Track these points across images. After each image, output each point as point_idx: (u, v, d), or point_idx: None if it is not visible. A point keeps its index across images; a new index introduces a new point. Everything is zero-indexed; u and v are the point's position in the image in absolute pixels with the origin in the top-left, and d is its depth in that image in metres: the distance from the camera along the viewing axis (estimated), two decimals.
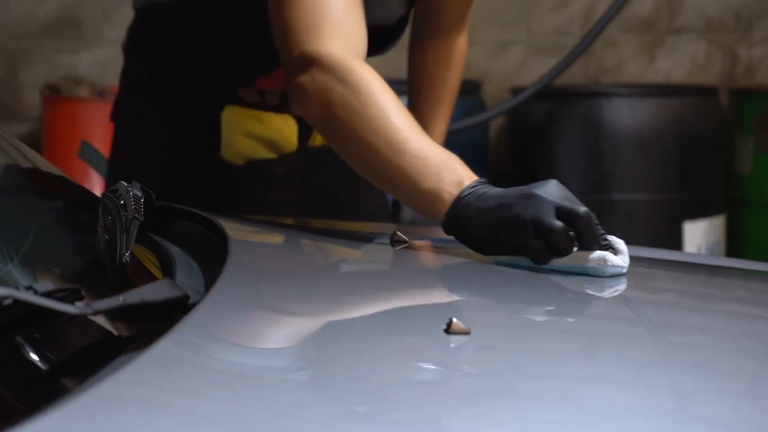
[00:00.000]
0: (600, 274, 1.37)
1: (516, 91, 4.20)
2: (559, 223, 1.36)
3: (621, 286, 1.43)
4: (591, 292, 1.41)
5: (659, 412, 0.94)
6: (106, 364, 0.92)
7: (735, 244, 4.40)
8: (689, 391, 1.00)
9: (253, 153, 1.90)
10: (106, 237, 1.27)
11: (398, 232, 1.53)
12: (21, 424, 0.78)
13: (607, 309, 1.34)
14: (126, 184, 1.33)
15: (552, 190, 1.39)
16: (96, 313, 0.95)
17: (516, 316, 1.26)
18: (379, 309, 1.26)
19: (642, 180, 4.14)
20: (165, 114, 1.96)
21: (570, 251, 1.38)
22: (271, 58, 1.72)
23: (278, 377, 0.98)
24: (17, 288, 0.95)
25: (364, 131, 1.52)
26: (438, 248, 1.61)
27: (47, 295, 0.94)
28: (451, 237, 1.52)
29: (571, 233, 1.38)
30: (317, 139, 1.96)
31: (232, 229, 1.43)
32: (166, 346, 0.95)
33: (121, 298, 0.98)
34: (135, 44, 1.99)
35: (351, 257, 1.56)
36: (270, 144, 1.92)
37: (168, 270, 1.29)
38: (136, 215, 1.27)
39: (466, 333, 1.06)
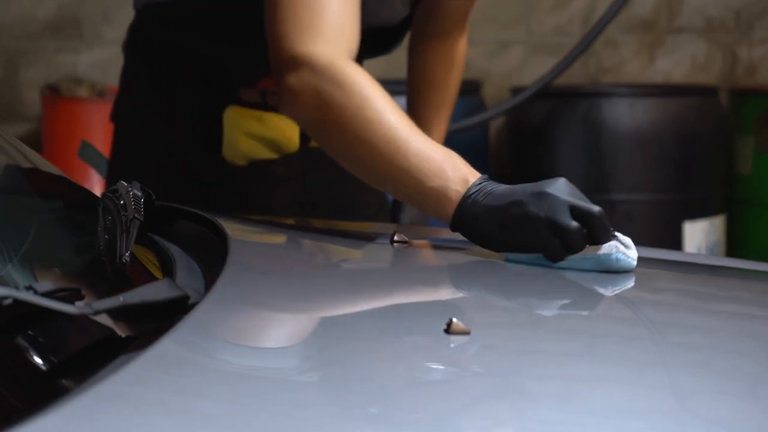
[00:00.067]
0: (610, 266, 1.40)
1: (516, 91, 4.21)
2: (575, 224, 1.38)
3: (621, 286, 1.43)
4: (591, 292, 1.41)
5: (659, 412, 0.94)
6: (106, 364, 0.92)
7: (735, 244, 4.40)
8: (689, 391, 1.00)
9: (254, 153, 1.90)
10: (106, 237, 1.27)
11: (398, 232, 1.53)
12: (21, 424, 0.78)
13: (607, 309, 1.34)
14: (126, 184, 1.33)
15: (564, 189, 1.41)
16: (96, 313, 0.95)
17: (516, 316, 1.26)
18: (379, 309, 1.26)
19: (642, 180, 4.14)
20: (165, 114, 1.96)
21: (583, 248, 1.40)
22: None
23: (278, 377, 0.98)
24: (17, 288, 0.95)
25: (362, 132, 1.52)
26: (438, 248, 1.61)
27: (47, 295, 0.94)
28: (451, 237, 1.52)
29: (584, 231, 1.40)
30: None
31: (232, 229, 1.43)
32: (166, 346, 0.95)
33: (121, 298, 0.98)
34: (135, 44, 1.99)
35: (351, 257, 1.56)
36: (271, 144, 1.92)
37: (168, 270, 1.29)
38: (136, 215, 1.27)
39: (466, 333, 1.06)
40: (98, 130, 4.00)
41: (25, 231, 1.28)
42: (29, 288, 0.94)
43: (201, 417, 0.85)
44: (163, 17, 1.94)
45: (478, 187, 1.46)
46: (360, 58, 2.05)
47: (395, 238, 1.52)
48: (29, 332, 1.02)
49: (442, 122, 2.20)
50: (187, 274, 1.27)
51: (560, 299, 1.36)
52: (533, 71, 4.49)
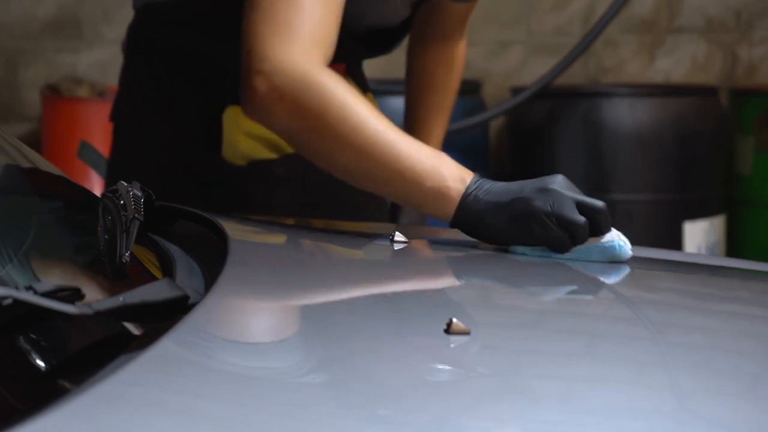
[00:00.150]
0: (613, 254, 1.47)
1: (516, 91, 4.21)
2: (582, 218, 1.46)
3: (621, 286, 1.44)
4: (591, 292, 1.41)
5: (659, 412, 0.94)
6: (106, 364, 0.92)
7: (735, 244, 4.40)
8: (689, 391, 1.00)
9: (254, 153, 1.90)
10: (106, 237, 1.27)
11: (398, 232, 1.53)
12: (21, 424, 0.78)
13: (607, 309, 1.34)
14: (126, 184, 1.33)
15: (565, 185, 1.49)
16: (96, 313, 0.95)
17: (516, 316, 1.26)
18: (379, 309, 1.26)
19: (642, 180, 4.14)
20: (165, 114, 1.96)
21: (586, 240, 1.48)
22: None
23: (278, 377, 0.98)
24: (17, 288, 0.95)
25: (350, 139, 1.53)
26: (438, 248, 1.61)
27: (47, 295, 0.94)
28: (451, 237, 1.52)
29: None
30: None
31: (232, 229, 1.43)
32: (166, 346, 0.95)
33: (121, 298, 0.98)
34: (135, 44, 1.99)
35: (351, 257, 1.56)
36: (271, 144, 1.92)
37: (168, 270, 1.29)
38: (136, 215, 1.27)
39: (466, 333, 1.06)
40: (98, 130, 4.00)
41: (25, 231, 1.28)
42: (29, 288, 0.94)
43: (201, 417, 0.85)
44: (162, 17, 1.93)
45: (476, 185, 1.50)
46: (360, 57, 2.05)
47: (395, 238, 1.52)
48: (29, 332, 1.02)
49: (440, 125, 2.20)
50: (187, 274, 1.27)
51: (560, 299, 1.36)
52: (533, 71, 4.49)
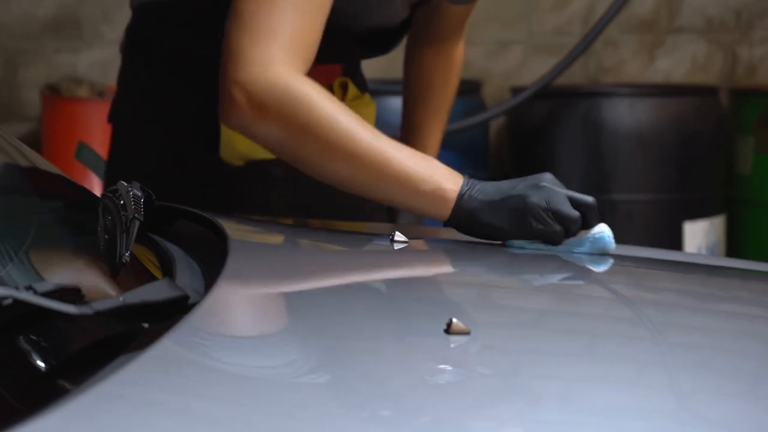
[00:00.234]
0: (603, 245, 1.53)
1: (516, 91, 4.21)
2: (576, 213, 1.52)
3: (621, 286, 1.44)
4: (591, 292, 1.41)
5: (659, 412, 0.94)
6: (106, 364, 0.92)
7: (735, 244, 4.40)
8: (689, 391, 1.00)
9: (251, 153, 1.90)
10: (106, 237, 1.26)
11: (398, 232, 1.53)
12: (21, 424, 0.78)
13: (607, 309, 1.34)
14: (126, 184, 1.33)
15: (555, 182, 1.55)
16: (96, 313, 0.95)
17: (516, 316, 1.26)
18: (380, 309, 1.26)
19: (642, 180, 4.14)
20: (163, 114, 1.96)
21: (578, 233, 1.55)
22: None
23: (278, 377, 0.98)
24: (17, 288, 0.95)
25: (342, 147, 1.56)
26: (438, 248, 1.61)
27: (47, 295, 0.94)
28: (450, 237, 1.53)
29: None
30: None
31: (232, 229, 1.43)
32: (166, 346, 0.95)
33: (121, 298, 0.98)
34: (133, 45, 1.99)
35: (351, 257, 1.56)
36: None
37: (168, 270, 1.29)
38: (136, 215, 1.26)
39: (466, 333, 1.06)
40: (98, 130, 3.99)
41: (25, 231, 1.28)
42: (29, 288, 0.94)
43: (200, 417, 0.85)
44: (160, 17, 1.93)
45: (468, 185, 1.56)
46: (359, 57, 2.05)
47: (395, 238, 1.52)
48: (29, 332, 1.02)
49: (438, 127, 2.20)
50: (187, 274, 1.27)
51: (560, 299, 1.36)
52: (533, 71, 4.49)
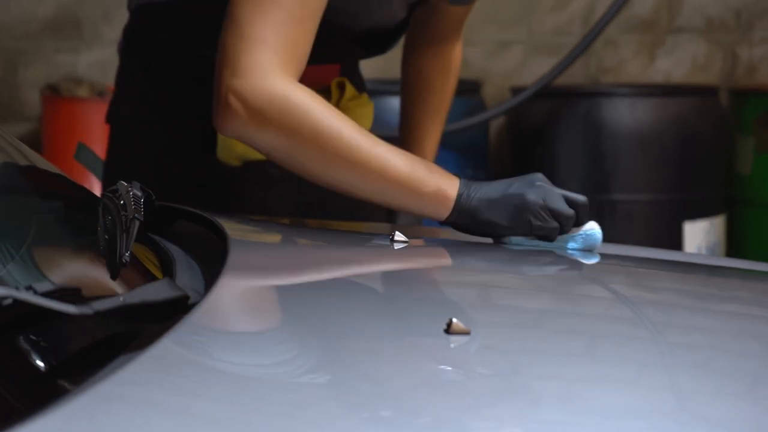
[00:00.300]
0: (594, 240, 1.59)
1: (516, 91, 4.20)
2: (571, 210, 1.58)
3: (621, 286, 1.44)
4: (591, 292, 1.41)
5: (659, 412, 0.94)
6: (106, 364, 0.92)
7: (735, 244, 4.40)
8: (689, 391, 1.00)
9: (248, 154, 1.90)
10: (106, 237, 1.27)
11: (398, 232, 1.53)
12: (21, 424, 0.78)
13: (607, 309, 1.34)
14: (126, 184, 1.33)
15: (547, 181, 1.61)
16: (96, 313, 0.95)
17: (516, 316, 1.26)
18: (380, 309, 1.26)
19: (642, 180, 4.14)
20: (161, 115, 1.96)
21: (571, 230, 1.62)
22: None
23: (278, 377, 0.98)
24: (17, 288, 0.95)
25: (345, 156, 1.58)
26: (438, 248, 1.61)
27: (47, 295, 0.94)
28: (450, 237, 1.53)
29: None
30: None
31: (232, 229, 1.43)
32: (166, 346, 0.95)
33: (121, 298, 0.98)
34: (130, 45, 1.99)
35: (351, 257, 1.56)
36: None
37: (168, 270, 1.29)
38: (136, 215, 1.26)
39: (466, 333, 1.06)
40: (98, 130, 3.99)
41: (25, 231, 1.28)
42: (29, 288, 0.94)
43: (200, 417, 0.85)
44: (159, 17, 1.93)
45: (465, 185, 1.60)
46: (356, 58, 2.05)
47: (395, 237, 1.52)
48: (29, 332, 1.02)
49: (437, 128, 2.20)
50: (187, 274, 1.27)
51: (560, 299, 1.36)
52: (533, 71, 4.49)
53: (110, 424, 0.81)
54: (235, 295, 1.18)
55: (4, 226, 1.28)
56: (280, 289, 1.30)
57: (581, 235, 1.60)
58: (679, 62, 4.73)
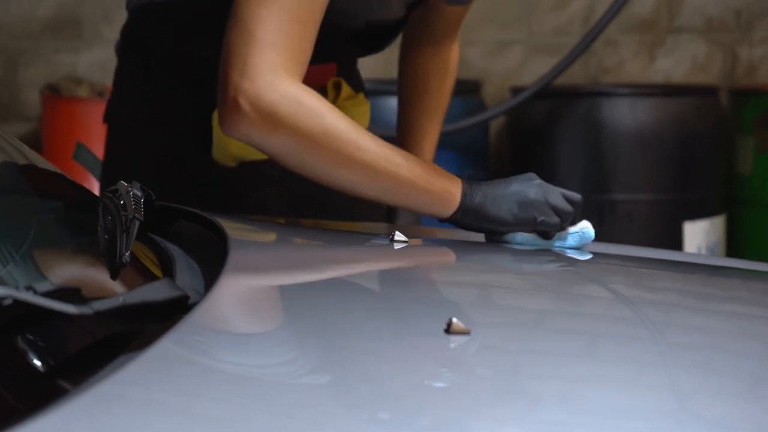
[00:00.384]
0: (589, 238, 1.64)
1: (516, 91, 4.20)
2: (571, 207, 1.63)
3: (621, 286, 1.44)
4: (591, 293, 1.41)
5: (659, 412, 0.94)
6: (106, 364, 0.92)
7: (735, 244, 4.40)
8: (689, 391, 1.00)
9: (244, 155, 1.90)
10: (106, 237, 1.27)
11: (398, 232, 1.53)
12: (21, 424, 0.78)
13: (607, 309, 1.34)
14: (126, 184, 1.33)
15: (544, 181, 1.65)
16: (96, 313, 0.95)
17: (516, 316, 1.26)
18: (380, 309, 1.26)
19: (642, 180, 4.14)
20: (160, 115, 1.95)
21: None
22: None
23: (278, 377, 0.98)
24: (17, 288, 0.95)
25: (356, 158, 1.58)
26: (438, 248, 1.61)
27: (47, 295, 0.94)
28: (450, 237, 1.53)
29: None
30: None
31: (232, 229, 1.43)
32: (166, 346, 0.95)
33: (121, 298, 0.98)
34: (129, 45, 1.99)
35: (351, 257, 1.56)
36: None
37: (168, 270, 1.29)
38: (136, 215, 1.26)
39: (466, 333, 1.06)
40: (98, 130, 3.97)
41: (25, 231, 1.28)
42: (29, 288, 0.94)
43: (200, 417, 0.85)
44: (158, 17, 1.93)
45: (468, 183, 1.62)
46: (353, 56, 2.05)
47: (395, 237, 1.52)
48: (29, 332, 1.02)
49: (435, 128, 2.20)
50: (187, 274, 1.27)
51: (560, 299, 1.36)
52: (533, 71, 4.49)
53: (110, 424, 0.81)
54: (235, 295, 1.18)
55: (4, 226, 1.28)
56: (280, 289, 1.30)
57: (578, 233, 1.64)
58: (679, 62, 4.73)
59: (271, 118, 1.58)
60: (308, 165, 1.61)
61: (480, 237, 1.63)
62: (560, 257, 1.57)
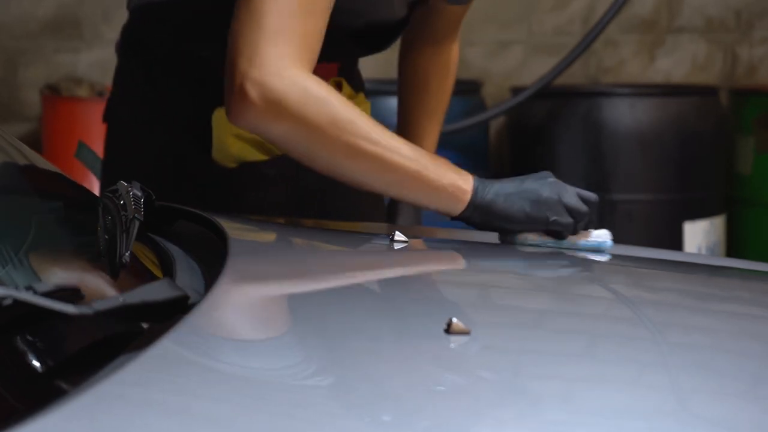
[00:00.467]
0: (599, 248, 1.59)
1: (516, 91, 4.20)
2: (586, 207, 1.59)
3: (621, 286, 1.44)
4: (591, 292, 1.41)
5: (659, 412, 0.94)
6: (106, 364, 0.92)
7: (735, 244, 4.40)
8: (689, 391, 1.00)
9: (244, 155, 1.90)
10: (106, 237, 1.26)
11: (398, 232, 1.53)
12: (21, 424, 0.78)
13: (607, 309, 1.34)
14: (126, 184, 1.33)
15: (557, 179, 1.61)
16: (96, 313, 0.95)
17: (516, 316, 1.26)
18: (380, 309, 1.26)
19: (642, 180, 4.14)
20: (160, 115, 1.95)
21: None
22: None
23: (278, 377, 0.98)
24: (17, 288, 0.95)
25: (365, 149, 1.57)
26: (438, 248, 1.61)
27: (47, 295, 0.94)
28: (450, 237, 1.53)
29: None
30: None
31: (232, 229, 1.43)
32: (166, 346, 0.95)
33: (121, 298, 0.98)
34: (129, 45, 1.99)
35: (351, 257, 1.56)
36: (261, 145, 1.91)
37: (168, 270, 1.29)
38: (136, 215, 1.26)
39: (466, 333, 1.06)
40: (98, 129, 3.97)
41: (25, 231, 1.28)
42: (29, 288, 0.94)
43: (200, 417, 0.85)
44: (159, 17, 1.93)
45: (479, 180, 1.60)
46: (354, 56, 2.05)
47: (395, 237, 1.52)
48: (29, 332, 1.02)
49: (435, 128, 2.20)
50: (187, 274, 1.27)
51: (560, 299, 1.36)
52: (533, 71, 4.49)
53: (110, 424, 0.81)
54: (235, 295, 1.18)
55: (4, 226, 1.28)
56: (280, 290, 1.30)
57: (590, 243, 1.59)
58: (679, 62, 4.73)
59: (279, 107, 1.57)
60: (315, 155, 1.60)
61: (480, 237, 1.62)
62: (560, 257, 1.57)
